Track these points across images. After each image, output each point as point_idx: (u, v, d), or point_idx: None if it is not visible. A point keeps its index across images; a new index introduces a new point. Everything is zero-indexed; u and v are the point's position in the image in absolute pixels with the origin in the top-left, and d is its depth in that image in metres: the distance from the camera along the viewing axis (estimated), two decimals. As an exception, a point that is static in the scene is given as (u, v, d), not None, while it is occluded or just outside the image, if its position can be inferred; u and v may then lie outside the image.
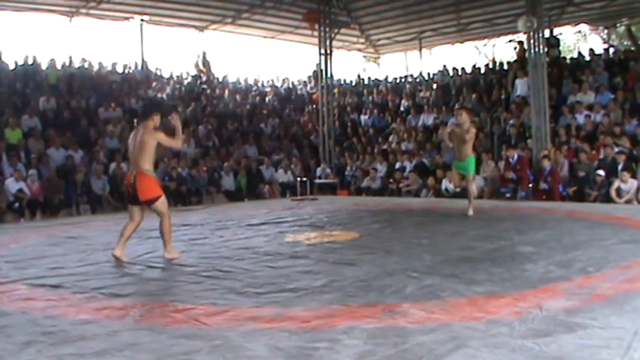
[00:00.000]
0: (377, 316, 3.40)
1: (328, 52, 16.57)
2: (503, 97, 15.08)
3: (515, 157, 11.41)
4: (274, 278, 4.57)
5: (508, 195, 11.38)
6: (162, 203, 5.62)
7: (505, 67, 16.92)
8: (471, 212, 8.42)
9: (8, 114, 12.56)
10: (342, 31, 17.46)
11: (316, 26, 16.30)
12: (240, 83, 20.47)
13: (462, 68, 17.77)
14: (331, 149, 16.38)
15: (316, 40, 16.82)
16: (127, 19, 17.35)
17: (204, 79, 18.99)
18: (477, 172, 10.74)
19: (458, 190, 8.85)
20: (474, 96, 15.74)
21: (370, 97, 19.07)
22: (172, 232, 5.82)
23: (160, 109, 6.16)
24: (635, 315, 3.27)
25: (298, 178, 14.17)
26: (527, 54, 12.96)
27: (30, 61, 15.25)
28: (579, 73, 14.30)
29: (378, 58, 24.15)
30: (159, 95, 17.19)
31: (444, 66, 18.46)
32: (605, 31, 23.71)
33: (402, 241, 6.37)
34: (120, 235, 5.72)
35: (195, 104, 17.21)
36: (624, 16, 18.58)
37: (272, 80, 21.28)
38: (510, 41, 20.36)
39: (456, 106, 12.22)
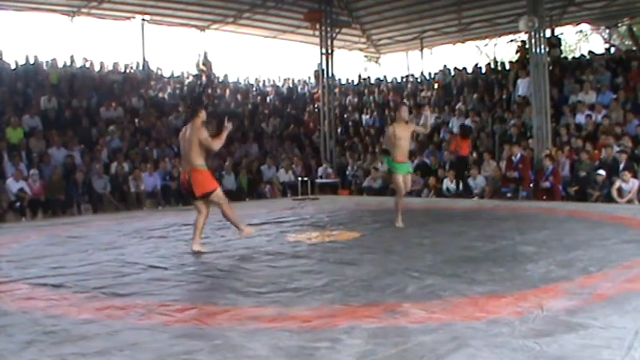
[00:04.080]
0: (378, 315, 3.40)
1: (329, 51, 16.57)
2: (504, 96, 15.09)
3: (518, 156, 11.41)
4: (275, 278, 4.57)
5: (509, 195, 11.39)
6: (217, 195, 5.92)
7: (506, 66, 16.92)
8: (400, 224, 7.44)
9: (9, 113, 12.58)
10: (344, 30, 17.45)
11: (317, 26, 16.30)
12: (241, 83, 20.48)
13: (464, 68, 17.78)
14: (332, 149, 16.37)
15: (317, 40, 16.82)
16: (128, 18, 17.35)
17: (204, 78, 18.99)
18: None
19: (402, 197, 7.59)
20: (475, 96, 15.75)
21: (371, 97, 19.07)
22: (236, 215, 6.18)
23: (203, 105, 6.57)
24: (637, 315, 3.26)
25: (299, 178, 14.17)
26: (528, 54, 12.96)
27: (31, 61, 15.26)
28: (580, 73, 14.29)
29: (379, 57, 24.17)
30: (160, 95, 17.21)
31: (445, 66, 18.46)
32: (607, 30, 23.70)
33: (403, 241, 6.37)
34: (194, 229, 6.01)
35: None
36: (625, 16, 18.57)
37: (273, 80, 21.29)
38: (512, 41, 20.39)
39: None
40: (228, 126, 6.10)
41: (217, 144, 5.94)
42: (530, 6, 12.28)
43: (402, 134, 7.38)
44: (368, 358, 2.72)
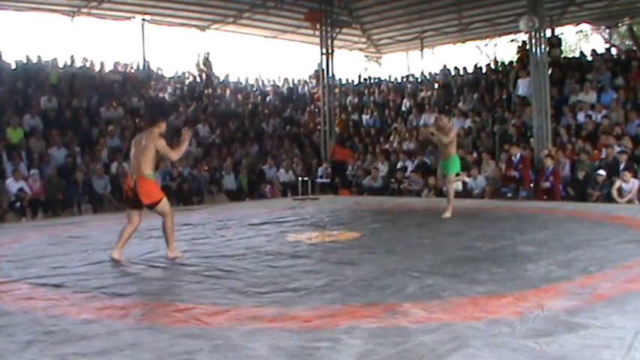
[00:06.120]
0: (378, 315, 3.40)
1: (330, 51, 16.57)
2: (504, 96, 15.08)
3: (518, 155, 11.41)
4: (275, 278, 4.57)
5: (509, 195, 11.38)
6: (164, 205, 5.67)
7: (507, 66, 16.90)
8: (447, 214, 8.24)
9: (9, 113, 12.58)
10: (344, 30, 17.46)
11: (318, 26, 16.30)
12: (241, 83, 20.48)
13: (464, 68, 17.78)
14: (333, 149, 16.36)
15: (318, 40, 16.82)
16: (128, 18, 17.36)
17: (204, 78, 18.99)
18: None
19: (444, 189, 9.09)
20: (475, 95, 15.74)
21: (371, 97, 19.07)
22: (175, 231, 5.84)
23: (166, 115, 6.27)
24: (637, 315, 3.27)
25: (299, 178, 14.17)
26: (528, 54, 12.96)
27: (31, 61, 15.26)
28: (579, 73, 14.27)
29: (380, 57, 24.16)
30: (160, 95, 17.21)
31: (445, 66, 18.45)
32: (607, 30, 23.69)
33: (404, 241, 6.37)
34: (119, 237, 5.72)
35: (197, 104, 17.23)
36: (626, 16, 18.57)
37: (273, 80, 21.30)
38: (512, 41, 20.38)
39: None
40: (187, 136, 5.87)
41: (176, 154, 5.76)
42: (530, 6, 12.28)
43: (437, 138, 8.64)
44: (368, 358, 2.72)
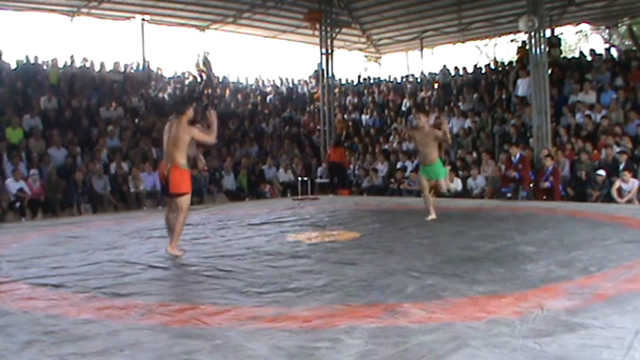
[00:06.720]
0: (378, 315, 3.40)
1: (329, 51, 16.57)
2: (504, 96, 15.09)
3: (518, 155, 11.41)
4: (275, 278, 4.57)
5: (509, 195, 11.38)
6: (186, 200, 5.74)
7: (506, 66, 16.90)
8: (433, 216, 8.12)
9: (9, 113, 12.57)
10: (344, 30, 17.46)
11: (317, 26, 16.31)
12: (241, 83, 20.48)
13: (464, 68, 17.79)
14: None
15: (317, 40, 16.82)
16: (128, 18, 17.35)
17: (204, 78, 18.99)
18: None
19: (426, 194, 8.55)
20: (475, 96, 15.75)
21: (371, 97, 19.07)
22: (183, 230, 5.91)
23: (190, 102, 6.40)
24: (637, 315, 3.27)
25: (299, 178, 14.17)
26: (528, 54, 12.96)
27: (31, 61, 15.25)
28: (579, 73, 14.27)
29: (380, 57, 24.16)
30: (160, 95, 17.21)
31: (445, 66, 18.46)
32: (607, 30, 23.70)
33: (403, 241, 6.37)
34: (168, 230, 5.88)
35: (197, 104, 17.21)
36: (626, 16, 18.57)
37: (273, 80, 21.30)
38: (512, 41, 20.38)
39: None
40: (213, 115, 5.85)
41: (212, 136, 5.82)
42: (530, 6, 12.28)
43: (421, 140, 8.18)
44: (368, 358, 2.72)
